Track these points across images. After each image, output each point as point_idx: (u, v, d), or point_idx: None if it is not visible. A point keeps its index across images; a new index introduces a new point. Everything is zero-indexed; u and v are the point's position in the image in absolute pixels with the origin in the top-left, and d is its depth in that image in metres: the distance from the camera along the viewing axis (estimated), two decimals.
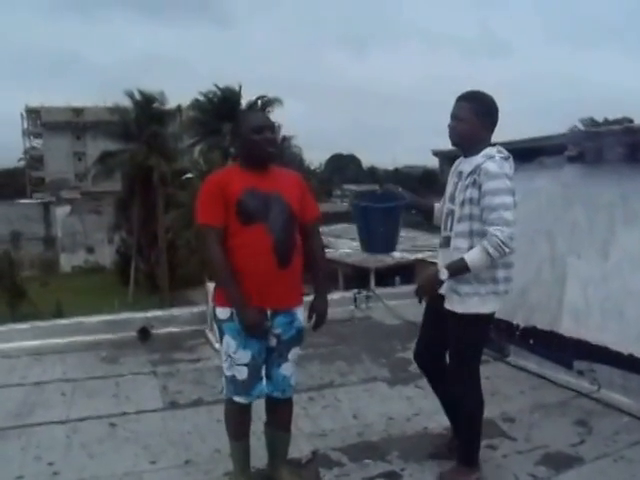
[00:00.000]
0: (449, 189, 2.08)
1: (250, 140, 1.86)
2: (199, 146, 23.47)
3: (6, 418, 2.70)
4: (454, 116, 2.00)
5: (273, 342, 1.92)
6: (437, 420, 2.42)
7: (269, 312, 1.88)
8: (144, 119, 23.26)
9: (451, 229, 2.00)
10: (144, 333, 4.02)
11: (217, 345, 2.06)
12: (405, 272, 15.48)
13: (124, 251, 27.08)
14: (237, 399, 1.91)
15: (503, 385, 3.05)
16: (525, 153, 3.25)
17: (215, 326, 2.02)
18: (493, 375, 3.18)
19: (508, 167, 1.95)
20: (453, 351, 2.06)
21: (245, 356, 1.86)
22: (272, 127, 1.90)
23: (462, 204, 1.95)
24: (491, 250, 1.85)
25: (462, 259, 1.89)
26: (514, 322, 3.44)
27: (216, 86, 23.23)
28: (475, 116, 1.96)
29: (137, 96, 23.62)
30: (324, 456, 2.31)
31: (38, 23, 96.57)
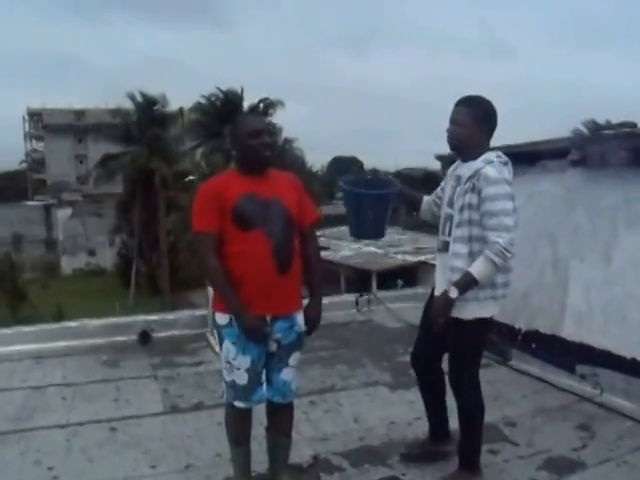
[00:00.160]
0: (447, 193, 2.07)
1: (246, 145, 1.84)
2: (201, 149, 23.53)
3: (6, 422, 2.69)
4: (452, 121, 2.00)
5: (273, 347, 1.91)
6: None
7: (269, 318, 1.86)
8: (145, 122, 23.33)
9: (449, 234, 2.00)
10: (145, 337, 4.01)
11: (218, 349, 2.05)
12: (407, 275, 15.47)
13: (125, 254, 27.11)
14: (237, 404, 1.90)
15: (505, 389, 3.03)
16: (528, 157, 3.25)
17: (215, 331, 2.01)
18: (495, 379, 3.17)
19: (507, 172, 1.95)
20: (453, 356, 2.05)
21: (245, 361, 1.86)
22: (269, 131, 1.88)
23: (461, 209, 1.94)
24: (495, 258, 1.85)
25: (468, 273, 1.87)
26: (516, 326, 3.42)
27: (218, 89, 23.33)
28: (473, 121, 1.96)
29: (139, 98, 23.71)
30: (325, 461, 2.30)
31: (39, 26, 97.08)
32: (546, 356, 3.22)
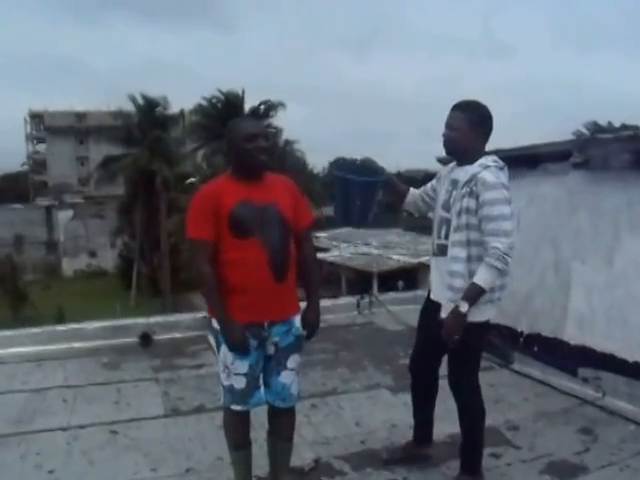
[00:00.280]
0: (442, 196, 2.07)
1: (242, 149, 1.81)
2: (202, 150, 23.56)
3: (6, 425, 2.69)
4: (448, 125, 2.01)
5: (271, 350, 1.90)
6: (440, 427, 2.40)
7: (266, 323, 1.86)
8: (147, 124, 23.38)
9: (446, 237, 2.00)
10: (146, 339, 4.01)
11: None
12: (408, 276, 15.45)
13: (126, 255, 27.13)
14: (235, 407, 1.90)
15: (507, 392, 3.03)
16: (530, 159, 3.25)
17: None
18: (497, 382, 3.16)
19: (504, 177, 1.96)
20: (452, 358, 2.05)
21: (242, 366, 1.85)
22: (265, 134, 1.86)
23: (459, 213, 1.94)
24: (497, 264, 1.86)
25: (474, 284, 1.88)
26: (518, 329, 3.42)
27: (219, 91, 23.37)
28: (469, 126, 1.97)
29: (140, 101, 23.77)
30: (326, 464, 2.29)
31: (41, 29, 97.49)
32: (548, 359, 3.21)
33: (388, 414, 2.77)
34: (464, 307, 1.88)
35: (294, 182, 2.01)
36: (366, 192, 2.16)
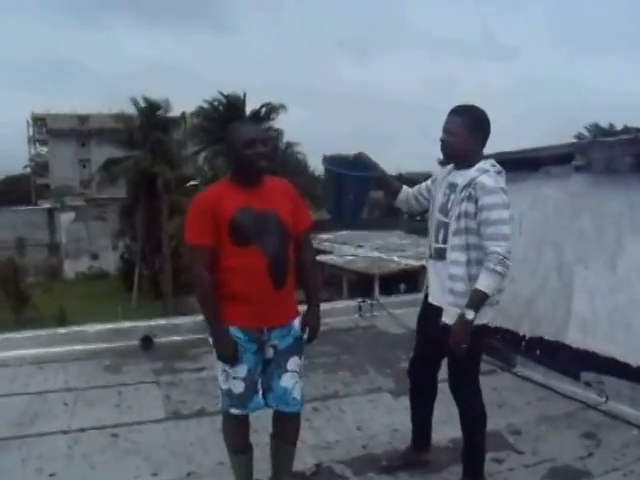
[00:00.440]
0: (439, 200, 2.07)
1: (241, 155, 1.79)
2: (204, 153, 23.60)
3: (7, 428, 2.68)
4: (446, 130, 2.01)
5: (270, 353, 1.89)
6: (442, 432, 2.39)
7: (265, 329, 1.85)
8: (148, 126, 23.44)
9: (444, 241, 2.00)
10: (147, 342, 4.01)
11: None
12: (410, 279, 15.43)
13: (128, 257, 27.17)
14: (233, 411, 1.89)
15: (509, 396, 3.01)
16: (532, 162, 3.24)
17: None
18: (499, 386, 3.15)
19: (502, 181, 1.97)
20: (451, 363, 2.05)
21: (241, 370, 1.84)
22: (263, 139, 1.82)
23: (458, 217, 1.94)
24: (498, 268, 1.86)
25: (477, 290, 1.87)
26: (520, 332, 3.40)
27: (221, 93, 23.43)
28: (467, 130, 1.97)
29: (142, 103, 23.84)
30: (328, 469, 2.28)
31: (43, 32, 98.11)
32: (550, 363, 3.20)
33: (390, 418, 2.75)
34: (470, 315, 1.87)
35: (294, 185, 2.00)
36: (359, 187, 2.13)
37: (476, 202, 1.90)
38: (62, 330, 4.31)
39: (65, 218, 32.85)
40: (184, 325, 4.33)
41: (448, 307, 1.96)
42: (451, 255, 1.95)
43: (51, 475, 2.27)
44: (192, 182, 21.31)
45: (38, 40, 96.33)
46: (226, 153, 1.92)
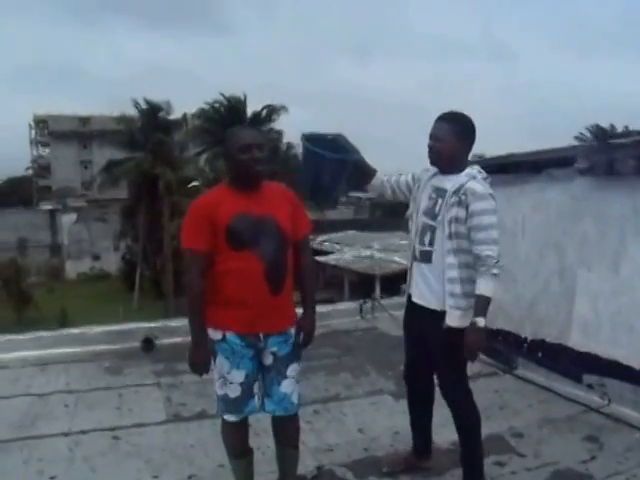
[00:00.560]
0: (424, 203, 2.09)
1: (237, 160, 1.80)
2: (205, 155, 23.64)
3: (9, 430, 2.68)
4: (434, 136, 2.04)
5: (269, 360, 1.89)
6: (443, 434, 2.38)
7: (262, 334, 1.85)
8: (150, 128, 23.48)
9: (431, 244, 2.03)
10: (148, 343, 4.01)
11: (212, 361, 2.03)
12: None
13: (129, 258, 27.20)
14: (228, 417, 1.89)
15: (511, 399, 3.00)
16: (534, 165, 3.24)
17: None
18: (501, 388, 3.14)
19: (489, 187, 2.02)
20: (446, 366, 2.07)
21: (239, 376, 1.85)
22: (259, 145, 1.82)
23: (449, 222, 1.97)
24: (495, 270, 1.92)
25: (481, 297, 1.92)
26: (522, 335, 3.39)
27: (222, 95, 23.47)
28: (455, 136, 2.00)
29: (143, 105, 23.89)
30: (329, 472, 2.28)
31: (45, 35, 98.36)
32: (552, 365, 3.19)
33: (391, 420, 2.75)
34: (482, 322, 1.92)
35: (295, 185, 2.01)
36: (337, 169, 2.12)
37: (467, 208, 1.94)
38: (64, 332, 4.31)
39: (67, 219, 32.92)
40: (185, 327, 4.28)
41: (450, 310, 1.98)
42: (447, 259, 1.98)
43: (52, 478, 2.27)
44: (193, 183, 21.32)
45: (40, 43, 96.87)
46: (224, 158, 1.94)
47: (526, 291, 3.36)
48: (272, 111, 23.54)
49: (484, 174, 2.04)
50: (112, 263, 30.50)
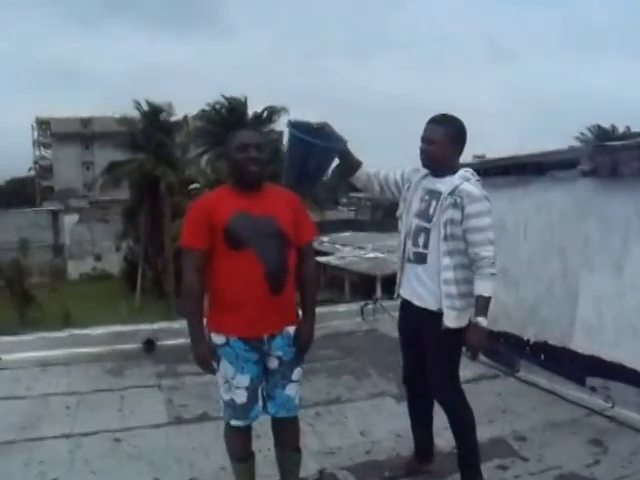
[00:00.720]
0: (416, 205, 2.09)
1: (234, 159, 1.82)
2: (206, 156, 23.68)
3: (10, 431, 2.68)
4: (426, 139, 2.04)
5: (274, 364, 1.88)
6: (445, 437, 2.36)
7: (266, 337, 1.84)
8: (151, 129, 23.53)
9: (425, 246, 2.03)
10: (149, 345, 4.00)
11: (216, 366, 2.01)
12: None
13: (131, 259, 27.24)
14: (235, 423, 1.88)
15: (514, 401, 2.99)
16: (537, 167, 3.22)
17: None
18: (503, 391, 3.13)
19: (482, 189, 2.04)
20: (440, 366, 2.07)
21: (244, 380, 1.84)
22: (257, 145, 1.82)
23: (444, 224, 1.98)
24: (493, 270, 1.96)
25: (482, 297, 1.95)
26: (524, 337, 3.38)
27: (223, 96, 23.51)
28: (447, 139, 2.01)
29: (144, 107, 23.95)
30: (331, 475, 2.27)
31: (47, 37, 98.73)
32: (555, 367, 3.17)
33: (393, 423, 2.73)
34: (484, 322, 1.95)
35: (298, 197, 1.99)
36: (322, 157, 2.11)
37: (462, 210, 1.95)
38: (65, 333, 4.31)
39: (69, 220, 32.98)
40: (186, 328, 4.31)
41: (447, 311, 1.99)
42: (443, 260, 1.99)
43: None
44: (194, 185, 21.35)
45: (41, 45, 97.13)
46: (225, 158, 1.95)
47: (529, 293, 3.35)
48: (273, 112, 23.56)
49: (476, 176, 2.05)
50: (114, 263, 30.53)
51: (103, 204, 33.57)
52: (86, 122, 41.15)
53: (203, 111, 24.03)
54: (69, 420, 2.83)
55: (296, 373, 1.92)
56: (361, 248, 20.85)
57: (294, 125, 2.11)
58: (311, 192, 2.25)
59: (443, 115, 2.06)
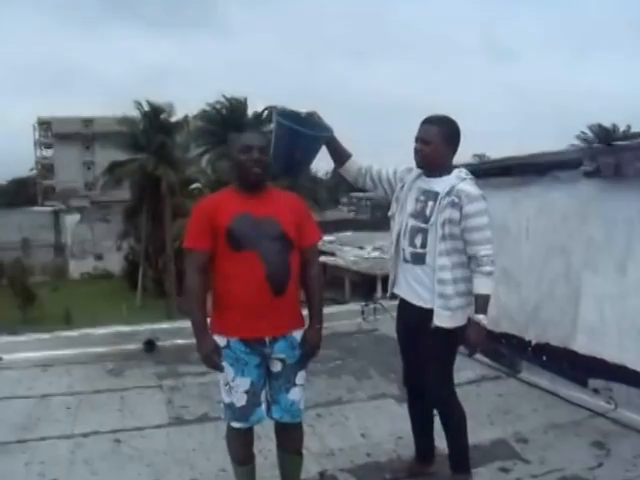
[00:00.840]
0: (411, 205, 2.08)
1: (237, 160, 1.83)
2: (207, 156, 23.69)
3: (11, 432, 2.67)
4: (422, 139, 2.04)
5: (277, 367, 1.87)
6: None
7: (267, 339, 1.83)
8: (152, 129, 23.55)
9: (423, 246, 2.03)
10: (150, 345, 4.00)
11: None
12: None
13: (132, 258, 27.28)
14: (235, 425, 1.88)
15: (515, 403, 2.97)
16: (539, 167, 3.21)
17: None
18: (505, 392, 3.11)
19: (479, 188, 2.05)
20: (436, 366, 2.07)
21: (244, 383, 1.83)
22: (260, 147, 1.82)
23: (442, 224, 1.97)
24: (491, 268, 1.98)
25: (482, 295, 1.97)
26: (526, 338, 3.36)
27: (223, 96, 23.53)
28: (442, 139, 2.02)
29: (145, 107, 23.98)
30: (332, 477, 2.26)
31: (48, 39, 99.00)
32: (557, 369, 3.15)
33: (394, 425, 2.72)
34: (484, 320, 1.97)
35: (302, 199, 1.99)
36: (309, 146, 2.10)
37: (460, 209, 1.96)
38: (67, 333, 4.31)
39: (70, 219, 33.05)
40: (187, 329, 4.26)
41: (438, 310, 1.99)
42: (439, 260, 1.99)
43: None
44: (195, 185, 21.38)
45: (43, 45, 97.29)
46: (229, 159, 1.95)
47: (531, 294, 3.33)
48: (273, 112, 23.54)
49: (471, 175, 2.06)
50: (115, 263, 30.57)
51: (104, 204, 33.60)
52: (87, 122, 41.24)
53: (204, 111, 24.06)
54: (70, 420, 2.82)
55: (300, 377, 1.91)
56: (361, 248, 20.83)
57: (281, 114, 2.12)
58: (298, 180, 2.24)
59: (437, 115, 2.06)
